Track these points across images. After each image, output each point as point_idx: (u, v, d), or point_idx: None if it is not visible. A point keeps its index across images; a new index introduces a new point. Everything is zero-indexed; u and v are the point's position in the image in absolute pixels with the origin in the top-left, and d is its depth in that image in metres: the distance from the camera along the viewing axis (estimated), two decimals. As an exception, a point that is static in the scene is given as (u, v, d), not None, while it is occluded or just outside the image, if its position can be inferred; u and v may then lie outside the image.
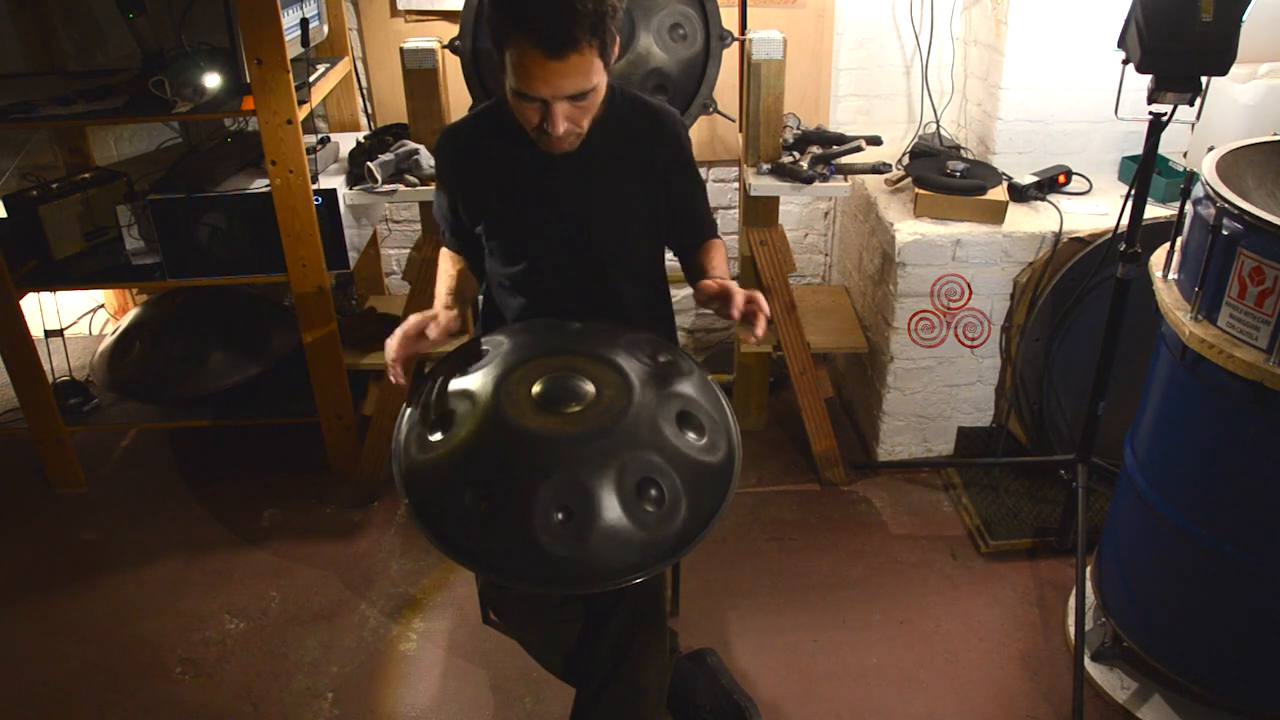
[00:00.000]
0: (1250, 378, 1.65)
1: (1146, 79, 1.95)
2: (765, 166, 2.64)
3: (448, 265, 1.88)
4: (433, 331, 1.62)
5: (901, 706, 2.17)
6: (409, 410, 1.58)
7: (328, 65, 2.84)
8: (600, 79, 1.55)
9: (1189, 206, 1.86)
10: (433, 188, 2.11)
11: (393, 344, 1.60)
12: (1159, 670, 2.05)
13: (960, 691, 2.20)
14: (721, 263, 1.85)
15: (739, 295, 1.60)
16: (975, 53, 2.99)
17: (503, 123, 1.72)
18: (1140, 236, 2.14)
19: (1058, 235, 2.59)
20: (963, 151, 3.03)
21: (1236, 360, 1.66)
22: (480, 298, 2.02)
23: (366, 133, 2.92)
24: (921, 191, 2.68)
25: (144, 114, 2.49)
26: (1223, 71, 1.90)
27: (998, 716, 2.13)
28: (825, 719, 2.14)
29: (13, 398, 2.86)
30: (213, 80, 2.46)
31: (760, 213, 2.72)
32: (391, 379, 1.59)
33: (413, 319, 1.62)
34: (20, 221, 2.64)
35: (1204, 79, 1.92)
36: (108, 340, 3.10)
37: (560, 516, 1.37)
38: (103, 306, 3.51)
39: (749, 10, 2.78)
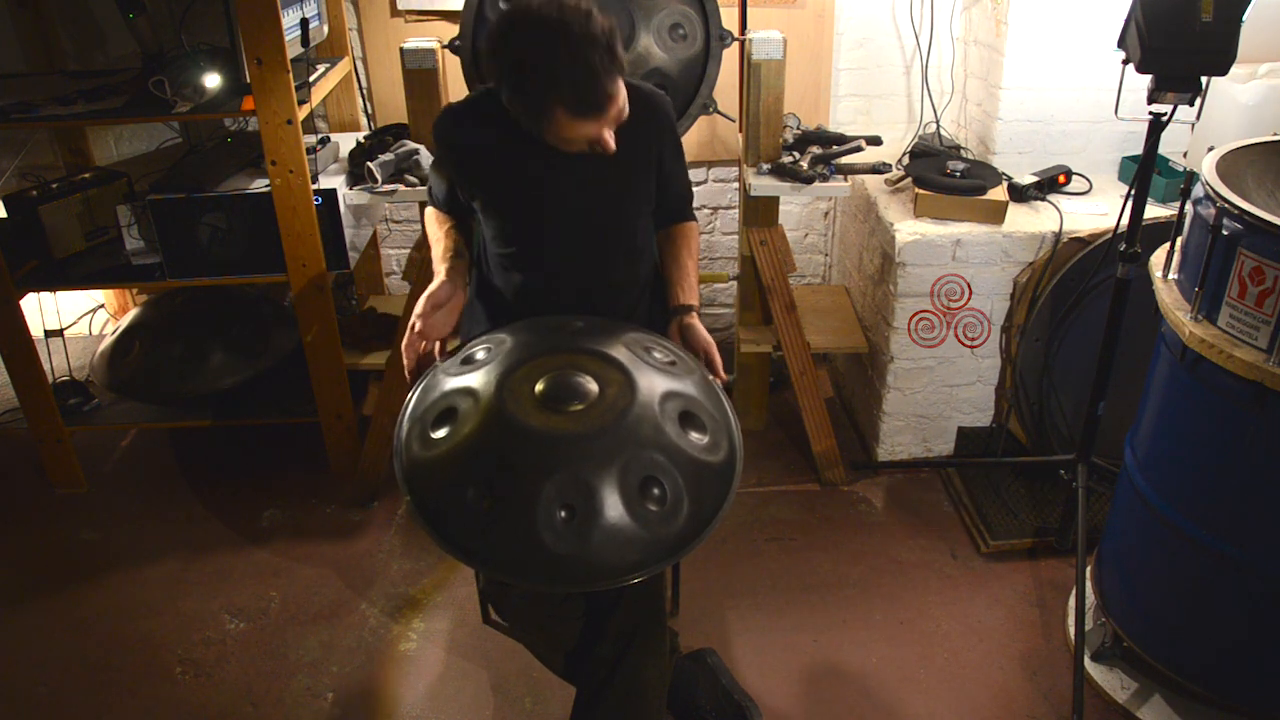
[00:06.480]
0: (1250, 378, 1.66)
1: (1146, 79, 1.95)
2: (765, 166, 2.64)
3: (436, 228, 1.88)
4: (440, 297, 1.70)
5: (901, 706, 2.17)
6: (411, 407, 1.58)
7: (328, 65, 2.84)
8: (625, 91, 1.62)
9: (1189, 206, 1.86)
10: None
11: (423, 328, 1.68)
12: (1159, 670, 2.05)
13: (960, 691, 2.20)
14: (692, 265, 1.89)
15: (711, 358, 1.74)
16: (975, 53, 2.99)
17: (500, 107, 1.73)
18: (1140, 236, 2.15)
19: (1058, 235, 2.60)
20: (963, 151, 3.03)
21: (1236, 360, 1.66)
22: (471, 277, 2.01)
23: (366, 133, 2.92)
24: (921, 191, 2.69)
25: (144, 114, 2.49)
26: (1223, 71, 1.91)
27: (998, 716, 2.14)
28: (825, 719, 2.15)
29: (13, 398, 2.86)
30: (213, 80, 2.46)
31: (760, 213, 2.72)
32: (407, 368, 1.66)
33: (422, 303, 1.69)
34: (20, 221, 2.64)
35: (1204, 79, 1.93)
36: (108, 340, 3.09)
37: (563, 514, 1.37)
38: (103, 306, 3.51)
39: (749, 10, 2.78)
